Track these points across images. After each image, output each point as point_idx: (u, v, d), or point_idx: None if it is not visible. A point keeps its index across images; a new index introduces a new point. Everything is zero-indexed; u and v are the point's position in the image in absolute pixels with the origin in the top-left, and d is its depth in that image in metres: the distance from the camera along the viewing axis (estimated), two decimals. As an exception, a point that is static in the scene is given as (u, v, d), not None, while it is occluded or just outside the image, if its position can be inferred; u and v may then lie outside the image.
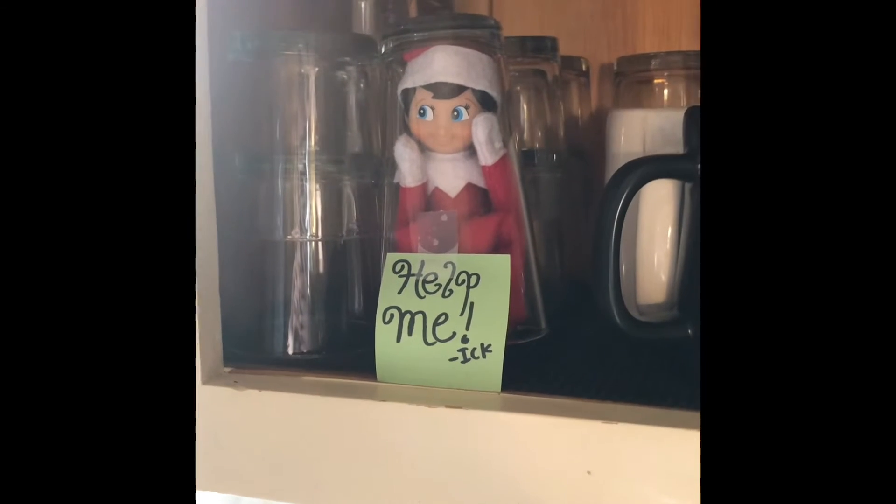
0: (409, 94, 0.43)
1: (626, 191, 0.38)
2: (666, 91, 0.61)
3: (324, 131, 0.46)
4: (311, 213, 0.45)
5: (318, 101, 0.45)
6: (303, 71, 0.45)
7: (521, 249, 0.43)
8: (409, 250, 0.42)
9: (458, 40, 0.42)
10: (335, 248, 0.46)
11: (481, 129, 0.41)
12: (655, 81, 0.62)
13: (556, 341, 0.44)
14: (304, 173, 0.45)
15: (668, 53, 0.62)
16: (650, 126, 0.46)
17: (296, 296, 0.45)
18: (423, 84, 0.42)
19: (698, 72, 0.60)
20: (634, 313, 0.39)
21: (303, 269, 0.45)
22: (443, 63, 0.41)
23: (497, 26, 0.43)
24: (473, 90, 0.42)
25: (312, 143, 0.45)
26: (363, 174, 0.46)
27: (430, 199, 0.43)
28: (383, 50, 0.44)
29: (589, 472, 0.35)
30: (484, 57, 0.42)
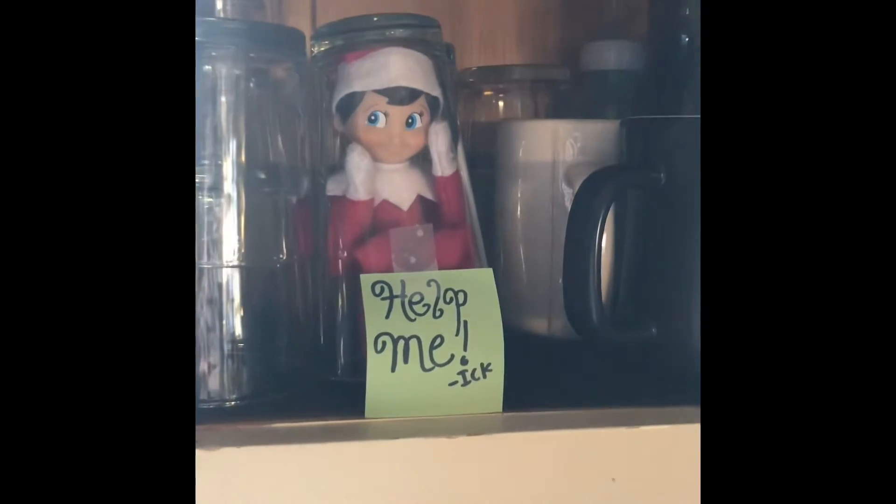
0: (354, 98, 0.39)
1: (606, 202, 0.38)
2: (501, 103, 0.63)
3: (237, 138, 0.39)
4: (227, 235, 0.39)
5: (230, 103, 0.39)
6: (213, 68, 0.39)
7: (480, 262, 0.41)
8: (374, 269, 0.38)
9: (406, 42, 0.39)
10: (263, 274, 0.40)
11: (442, 138, 0.39)
12: (486, 93, 0.64)
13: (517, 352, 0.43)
14: (214, 188, 0.39)
15: (497, 67, 0.64)
16: (560, 137, 0.47)
17: (220, 333, 0.38)
18: (377, 88, 0.38)
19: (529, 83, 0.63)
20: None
21: (227, 299, 0.39)
22: (400, 66, 0.38)
23: (439, 25, 0.41)
24: (427, 96, 0.39)
25: (224, 151, 0.39)
26: (286, 188, 0.41)
27: (376, 212, 0.40)
28: (316, 50, 0.39)
29: (613, 480, 0.35)
30: (430, 60, 0.40)
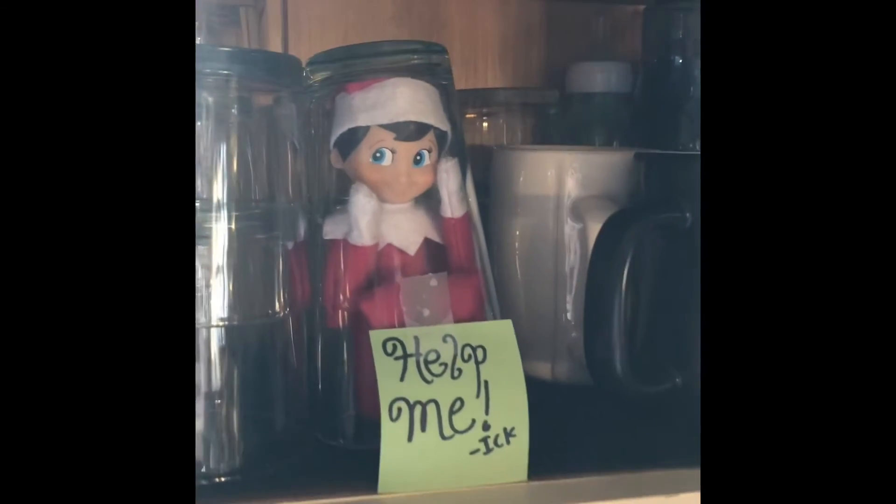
0: (357, 133, 0.35)
1: (632, 245, 0.36)
2: (485, 125, 0.60)
3: (226, 177, 0.35)
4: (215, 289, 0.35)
5: (217, 136, 0.35)
6: (200, 97, 0.34)
7: (492, 310, 0.38)
8: (382, 323, 0.35)
9: (413, 71, 0.36)
10: (255, 331, 0.36)
11: (453, 176, 0.36)
12: (468, 116, 0.61)
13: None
14: (199, 235, 0.34)
15: (484, 90, 0.61)
16: (565, 167, 0.44)
17: (209, 398, 0.34)
18: (384, 122, 0.35)
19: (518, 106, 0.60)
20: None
21: (215, 360, 0.34)
22: (409, 99, 0.35)
23: (446, 51, 0.37)
24: (435, 130, 0.36)
25: (211, 191, 0.35)
26: (281, 232, 0.36)
27: (379, 257, 0.36)
28: (315, 78, 0.36)
29: (652, 554, 0.32)
30: (437, 91, 0.37)
